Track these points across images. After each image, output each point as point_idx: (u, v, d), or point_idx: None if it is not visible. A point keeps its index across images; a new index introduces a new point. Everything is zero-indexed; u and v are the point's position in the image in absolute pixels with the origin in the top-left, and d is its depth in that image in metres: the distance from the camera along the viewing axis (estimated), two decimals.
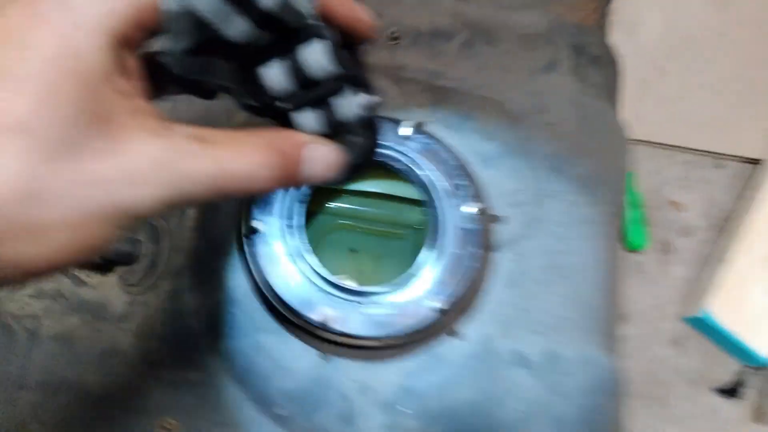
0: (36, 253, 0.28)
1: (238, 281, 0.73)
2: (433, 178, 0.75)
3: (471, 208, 0.75)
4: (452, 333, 0.73)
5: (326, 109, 0.41)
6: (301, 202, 0.75)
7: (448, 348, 0.73)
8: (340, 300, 0.71)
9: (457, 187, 0.76)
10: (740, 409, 1.08)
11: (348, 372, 0.71)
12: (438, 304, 0.70)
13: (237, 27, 0.35)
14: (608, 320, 0.78)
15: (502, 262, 0.77)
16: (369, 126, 0.44)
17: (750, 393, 1.07)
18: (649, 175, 1.27)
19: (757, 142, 1.22)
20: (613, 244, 0.81)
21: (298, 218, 0.74)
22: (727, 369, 1.10)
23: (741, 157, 1.23)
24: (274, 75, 0.39)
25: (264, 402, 0.71)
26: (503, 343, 0.74)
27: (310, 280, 0.71)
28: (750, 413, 1.06)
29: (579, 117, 0.81)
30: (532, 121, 0.80)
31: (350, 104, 0.41)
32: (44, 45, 0.28)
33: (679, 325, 1.15)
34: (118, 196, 0.30)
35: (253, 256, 0.71)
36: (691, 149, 1.26)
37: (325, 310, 0.70)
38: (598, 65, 0.89)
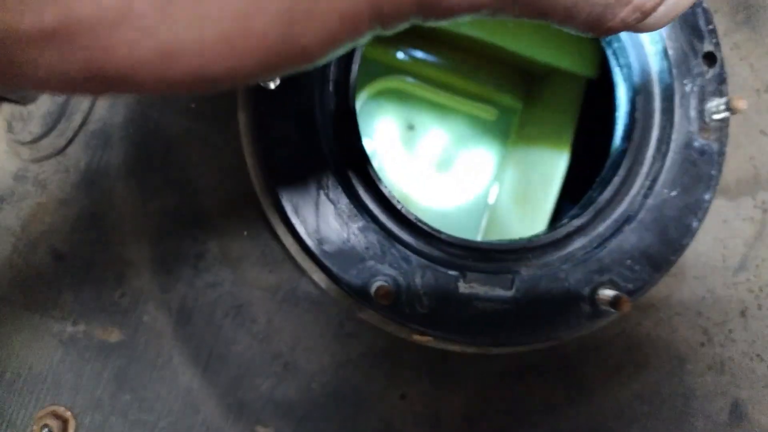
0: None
1: (221, 178, 0.36)
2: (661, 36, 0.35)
3: (717, 107, 0.35)
4: (610, 352, 0.38)
5: None
6: None
7: (601, 375, 0.38)
8: (418, 259, 0.34)
9: (702, 56, 0.36)
10: None
11: (408, 389, 0.37)
12: (611, 295, 0.34)
13: None
14: None
15: (731, 221, 0.39)
16: None
17: None
18: None
19: None
20: None
21: (344, 67, 0.35)
22: None
23: None
24: None
25: (238, 408, 0.37)
26: (705, 376, 0.39)
27: (364, 210, 0.34)
28: None
29: None
30: None
31: None
32: None
33: None
34: None
35: (256, 129, 0.33)
36: None
37: (385, 274, 0.34)
38: None
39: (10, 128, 0.44)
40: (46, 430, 0.40)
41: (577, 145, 0.60)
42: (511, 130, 0.71)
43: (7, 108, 0.44)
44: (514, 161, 0.68)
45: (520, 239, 0.36)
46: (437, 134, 0.69)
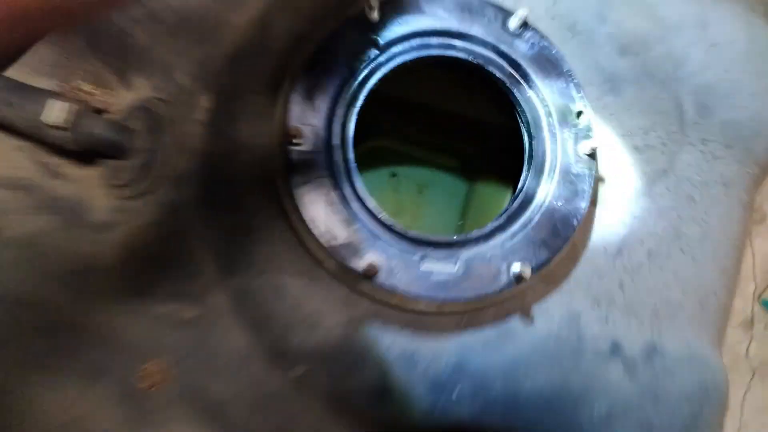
0: None
1: (262, 202, 0.55)
2: (542, 97, 0.55)
3: (587, 147, 0.55)
4: (528, 309, 0.56)
5: None
6: (351, 105, 0.55)
7: (522, 324, 0.56)
8: (394, 247, 0.53)
9: (575, 115, 0.55)
10: None
11: (393, 338, 0.55)
12: (519, 269, 0.52)
13: None
14: (724, 309, 0.61)
15: (610, 224, 0.58)
16: None
17: None
18: None
19: None
20: (748, 214, 0.62)
21: (347, 129, 0.54)
22: None
23: None
24: None
25: (279, 358, 0.55)
26: (593, 325, 0.57)
27: (358, 218, 0.52)
28: None
29: (747, 39, 0.58)
30: (690, 36, 0.57)
31: None
32: None
33: (756, 307, 0.96)
34: None
35: (287, 173, 0.52)
36: None
37: (372, 257, 0.52)
38: None
39: (109, 176, 0.63)
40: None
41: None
42: (473, 174, 0.91)
43: (108, 162, 0.64)
44: (474, 202, 0.88)
45: (462, 235, 0.55)
46: (414, 179, 0.89)
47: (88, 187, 0.62)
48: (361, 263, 0.52)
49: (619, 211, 0.60)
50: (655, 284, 0.58)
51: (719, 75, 0.59)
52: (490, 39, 0.54)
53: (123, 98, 0.62)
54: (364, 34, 0.55)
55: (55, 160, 0.62)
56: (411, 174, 0.90)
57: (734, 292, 0.62)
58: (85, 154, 0.60)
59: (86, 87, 0.63)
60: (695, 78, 0.59)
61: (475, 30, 0.54)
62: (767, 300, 0.94)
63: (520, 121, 0.58)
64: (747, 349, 0.95)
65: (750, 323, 0.95)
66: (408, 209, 0.88)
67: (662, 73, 0.58)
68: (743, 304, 0.97)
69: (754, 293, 0.94)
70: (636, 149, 0.60)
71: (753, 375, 0.91)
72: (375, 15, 0.54)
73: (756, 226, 1.00)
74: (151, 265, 0.58)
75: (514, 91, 0.57)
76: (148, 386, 0.58)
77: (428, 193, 0.91)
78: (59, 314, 0.57)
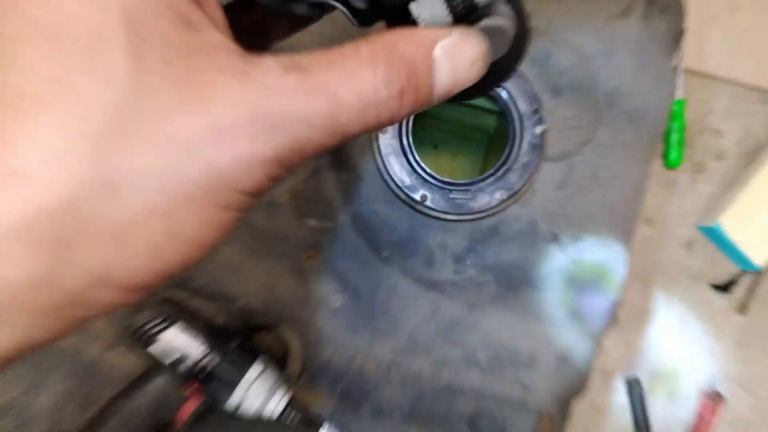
0: (127, 262, 0.22)
1: (366, 164, 1.04)
2: (515, 101, 1.01)
3: (540, 129, 1.01)
4: (507, 218, 1.04)
5: None
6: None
7: (504, 226, 1.04)
8: (435, 186, 1.01)
9: (533, 111, 1.02)
10: (728, 302, 1.35)
11: (434, 234, 1.04)
12: (503, 196, 1.00)
13: None
14: (629, 221, 1.06)
15: (555, 170, 1.04)
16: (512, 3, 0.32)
17: (738, 291, 1.34)
18: (698, 103, 1.44)
19: None
20: (646, 164, 1.06)
21: (409, 125, 1.02)
22: (726, 271, 1.34)
23: None
24: None
25: (375, 248, 1.06)
26: (544, 227, 1.04)
27: (416, 171, 1.01)
28: (735, 306, 1.34)
29: (639, 63, 1.02)
30: (601, 63, 1.02)
31: None
32: None
33: (695, 232, 1.38)
34: (216, 163, 0.22)
35: (379, 147, 1.01)
36: (743, 84, 1.42)
37: (423, 192, 1.01)
38: (667, 14, 1.07)
39: None
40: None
41: None
42: (487, 145, 1.37)
43: None
44: (487, 163, 1.34)
45: (472, 179, 1.03)
46: (449, 149, 1.36)
47: None
48: (417, 195, 1.01)
49: (560, 164, 1.05)
50: (581, 204, 1.04)
51: (620, 83, 1.03)
52: None
53: None
54: None
55: None
56: (447, 146, 1.37)
57: (638, 212, 1.07)
58: None
59: None
60: (605, 86, 1.03)
61: None
62: (702, 226, 1.35)
63: (503, 114, 1.05)
64: (685, 263, 1.37)
65: (690, 244, 1.38)
66: (446, 168, 1.36)
67: (585, 84, 1.03)
68: (685, 230, 1.39)
69: (693, 223, 1.36)
70: (571, 128, 1.05)
71: (689, 280, 1.34)
72: None
73: (698, 175, 1.41)
74: (306, 200, 1.10)
75: (497, 96, 1.03)
76: (307, 264, 1.10)
77: (459, 159, 1.38)
78: (259, 226, 1.10)
